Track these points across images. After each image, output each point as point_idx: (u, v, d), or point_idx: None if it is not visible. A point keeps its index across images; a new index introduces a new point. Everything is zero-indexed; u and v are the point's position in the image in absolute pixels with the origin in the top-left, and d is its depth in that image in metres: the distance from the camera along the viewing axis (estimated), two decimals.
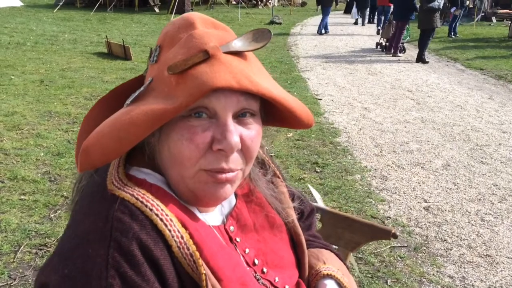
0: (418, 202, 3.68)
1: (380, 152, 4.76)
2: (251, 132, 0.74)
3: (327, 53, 11.38)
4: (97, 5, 17.49)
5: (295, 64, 9.71)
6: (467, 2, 17.44)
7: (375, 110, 6.33)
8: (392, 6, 12.73)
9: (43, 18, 15.19)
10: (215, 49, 0.69)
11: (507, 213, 3.55)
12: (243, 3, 21.97)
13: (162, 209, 0.70)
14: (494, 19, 19.69)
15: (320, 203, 1.85)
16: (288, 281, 0.88)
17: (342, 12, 22.71)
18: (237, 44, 0.72)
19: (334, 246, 1.33)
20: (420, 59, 10.28)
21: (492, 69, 9.64)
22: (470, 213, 3.54)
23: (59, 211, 3.18)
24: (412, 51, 11.65)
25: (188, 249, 0.69)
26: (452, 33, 14.79)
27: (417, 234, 3.20)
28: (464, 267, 2.86)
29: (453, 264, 2.89)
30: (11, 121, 4.93)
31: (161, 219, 0.69)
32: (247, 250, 0.84)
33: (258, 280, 0.82)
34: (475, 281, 2.73)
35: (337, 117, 5.93)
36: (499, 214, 3.53)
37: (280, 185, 0.97)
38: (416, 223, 3.35)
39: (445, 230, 3.27)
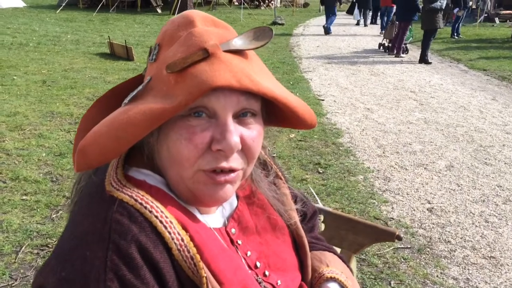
0: (422, 203, 3.66)
1: (383, 153, 4.74)
2: (252, 132, 0.73)
3: (330, 54, 11.36)
4: (100, 5, 17.52)
5: (298, 64, 9.70)
6: (470, 3, 17.43)
7: (377, 111, 6.31)
8: (395, 7, 12.71)
9: (46, 18, 15.23)
10: (215, 48, 0.67)
11: (511, 215, 3.52)
12: (245, 4, 22.00)
13: (162, 211, 0.69)
14: (497, 20, 19.64)
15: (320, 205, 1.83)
16: (291, 284, 0.87)
17: (345, 12, 22.69)
18: (238, 42, 0.70)
19: (337, 248, 1.31)
20: (423, 59, 10.26)
21: (495, 70, 9.60)
22: (474, 214, 3.52)
23: (60, 212, 3.18)
24: (415, 52, 11.62)
25: (189, 252, 0.68)
26: (455, 34, 14.76)
27: (420, 236, 3.18)
28: (468, 269, 2.84)
29: (457, 266, 2.86)
30: (13, 122, 4.93)
31: (160, 221, 0.68)
32: (248, 253, 0.82)
33: (260, 283, 0.81)
34: (479, 283, 2.71)
35: (340, 118, 5.92)
36: (504, 216, 3.50)
37: (283, 186, 0.95)
38: (420, 224, 3.33)
39: (449, 232, 3.25)
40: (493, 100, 7.18)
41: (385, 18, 15.26)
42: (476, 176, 4.22)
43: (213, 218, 0.80)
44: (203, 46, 0.67)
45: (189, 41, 0.69)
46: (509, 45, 13.01)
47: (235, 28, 0.79)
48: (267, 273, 0.83)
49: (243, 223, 0.84)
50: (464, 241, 3.14)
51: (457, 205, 3.66)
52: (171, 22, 0.76)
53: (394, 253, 2.95)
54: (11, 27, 12.47)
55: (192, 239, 0.69)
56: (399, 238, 1.42)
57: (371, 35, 15.70)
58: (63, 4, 18.04)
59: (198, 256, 0.68)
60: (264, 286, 0.81)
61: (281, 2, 29.72)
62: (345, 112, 6.23)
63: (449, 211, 3.55)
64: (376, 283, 2.64)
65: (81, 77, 7.24)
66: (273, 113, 0.80)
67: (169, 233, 0.67)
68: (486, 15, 19.86)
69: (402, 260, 2.89)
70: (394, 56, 11.03)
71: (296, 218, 0.93)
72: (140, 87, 0.71)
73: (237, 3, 24.76)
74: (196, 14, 0.75)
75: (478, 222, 3.40)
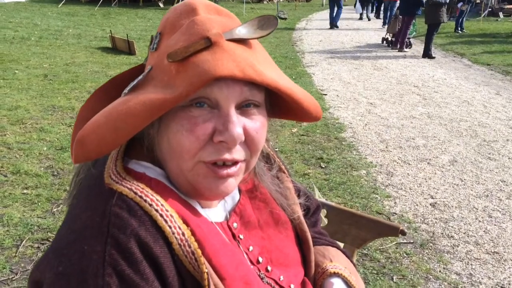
0: (425, 198, 3.63)
1: (386, 147, 4.72)
2: (255, 124, 0.71)
3: (332, 48, 11.31)
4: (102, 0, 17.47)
5: (300, 59, 9.65)
6: None
7: (380, 106, 6.28)
8: (398, 1, 12.63)
9: (48, 13, 15.20)
10: (217, 36, 0.65)
11: None
12: None
13: (162, 204, 0.67)
14: (501, 14, 19.52)
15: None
16: (294, 279, 0.85)
17: (353, 6, 22.53)
18: (242, 31, 0.68)
19: (340, 243, 1.30)
20: (427, 54, 10.20)
21: (499, 64, 9.54)
22: (477, 209, 3.49)
23: (61, 206, 3.17)
24: (418, 46, 11.56)
25: (190, 247, 0.66)
26: (459, 28, 14.67)
27: (423, 231, 3.16)
28: (471, 264, 2.82)
29: (460, 261, 2.85)
30: (14, 115, 4.92)
31: (161, 215, 0.66)
32: (250, 248, 0.81)
33: (262, 278, 0.79)
34: (482, 278, 2.69)
35: (343, 113, 5.89)
36: (507, 211, 3.48)
37: (286, 180, 0.94)
38: (423, 219, 3.31)
39: (452, 227, 3.23)
40: (497, 94, 7.13)
41: (388, 13, 15.17)
42: (479, 171, 4.20)
43: (215, 212, 0.79)
44: (206, 34, 0.65)
45: (191, 30, 0.67)
46: None
47: None
48: (269, 268, 0.82)
49: (245, 218, 0.83)
50: (467, 236, 3.12)
51: (460, 200, 3.63)
52: (173, 10, 0.74)
53: (396, 248, 2.93)
54: (13, 21, 12.45)
55: (193, 233, 0.67)
56: (403, 233, 1.40)
57: (374, 29, 15.63)
58: None
59: (199, 251, 0.66)
60: (267, 282, 0.80)
61: None
62: (348, 106, 6.20)
63: (452, 206, 3.52)
64: (378, 278, 2.63)
65: (82, 71, 7.23)
66: (277, 104, 0.77)
67: (170, 227, 0.65)
68: (490, 9, 19.74)
69: (405, 255, 2.87)
70: (397, 50, 10.98)
71: (299, 212, 0.92)
72: (140, 77, 0.69)
73: None
74: (198, 1, 0.72)
75: (482, 217, 3.37)
